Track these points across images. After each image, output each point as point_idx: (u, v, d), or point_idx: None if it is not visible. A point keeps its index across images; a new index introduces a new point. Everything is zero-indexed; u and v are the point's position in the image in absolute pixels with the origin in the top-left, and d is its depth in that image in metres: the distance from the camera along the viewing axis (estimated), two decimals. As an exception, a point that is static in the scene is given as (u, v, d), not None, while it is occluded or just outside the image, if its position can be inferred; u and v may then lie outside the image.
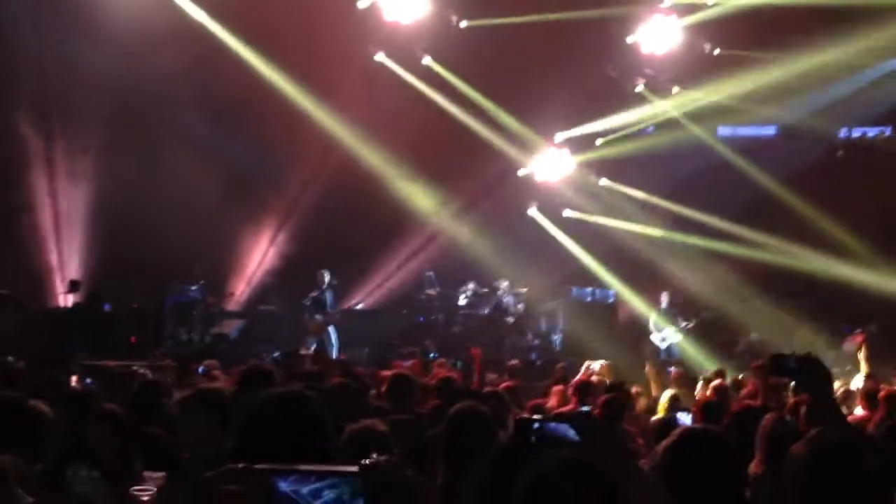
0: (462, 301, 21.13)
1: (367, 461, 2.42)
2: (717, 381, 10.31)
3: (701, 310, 20.14)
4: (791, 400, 7.19)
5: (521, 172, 22.52)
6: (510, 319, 20.28)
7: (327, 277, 18.97)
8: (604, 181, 22.82)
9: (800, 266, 19.95)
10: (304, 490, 2.28)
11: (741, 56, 19.40)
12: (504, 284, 20.77)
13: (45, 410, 5.52)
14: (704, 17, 18.69)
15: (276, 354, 14.78)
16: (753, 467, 5.17)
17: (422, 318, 21.12)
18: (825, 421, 4.23)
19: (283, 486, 2.29)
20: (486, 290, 20.92)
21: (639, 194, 22.31)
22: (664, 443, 3.77)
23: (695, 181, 21.22)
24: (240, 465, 2.33)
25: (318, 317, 18.73)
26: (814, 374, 4.37)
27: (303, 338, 18.74)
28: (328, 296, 18.93)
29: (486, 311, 20.75)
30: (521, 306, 20.79)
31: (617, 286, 21.77)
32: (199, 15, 18.78)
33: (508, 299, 20.68)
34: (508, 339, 20.03)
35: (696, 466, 3.61)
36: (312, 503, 2.28)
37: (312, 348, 17.52)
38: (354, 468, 2.35)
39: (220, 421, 5.17)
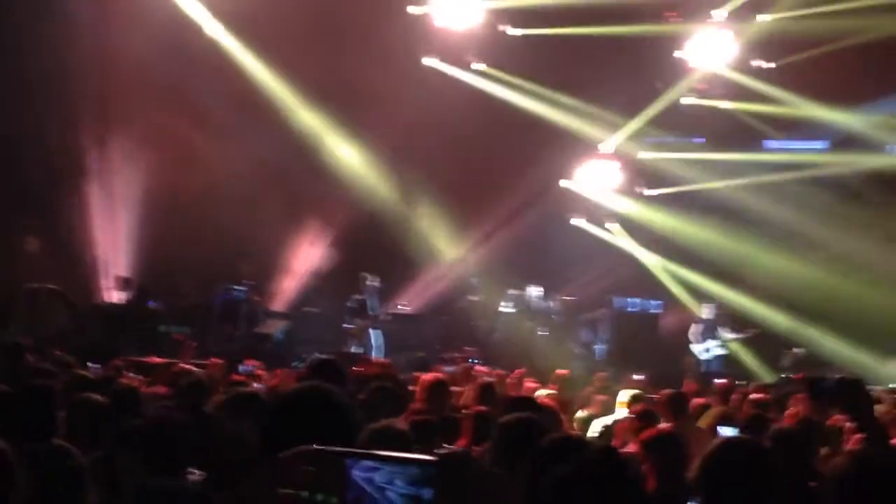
0: (504, 308, 21.17)
1: (443, 451, 2.44)
2: (755, 395, 10.26)
3: (746, 324, 19.92)
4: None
5: (566, 182, 22.52)
6: (528, 324, 20.18)
7: (369, 281, 19.07)
8: (649, 192, 22.71)
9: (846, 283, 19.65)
10: (377, 476, 2.30)
11: (794, 69, 19.22)
12: (532, 291, 20.70)
13: (102, 401, 5.69)
14: (757, 33, 18.61)
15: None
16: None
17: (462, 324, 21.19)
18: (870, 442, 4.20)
19: (356, 470, 2.31)
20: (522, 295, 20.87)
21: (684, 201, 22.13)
22: (704, 454, 3.82)
23: (743, 194, 21.07)
24: (314, 447, 2.36)
25: (359, 320, 18.81)
26: (854, 397, 4.30)
27: (345, 340, 18.88)
28: (370, 299, 19.03)
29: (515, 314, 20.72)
30: (549, 312, 20.66)
31: (661, 297, 21.68)
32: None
33: (534, 304, 20.56)
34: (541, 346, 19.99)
35: (731, 476, 3.64)
36: (384, 489, 2.29)
37: (374, 350, 17.72)
38: (430, 457, 2.36)
39: (256, 423, 5.25)
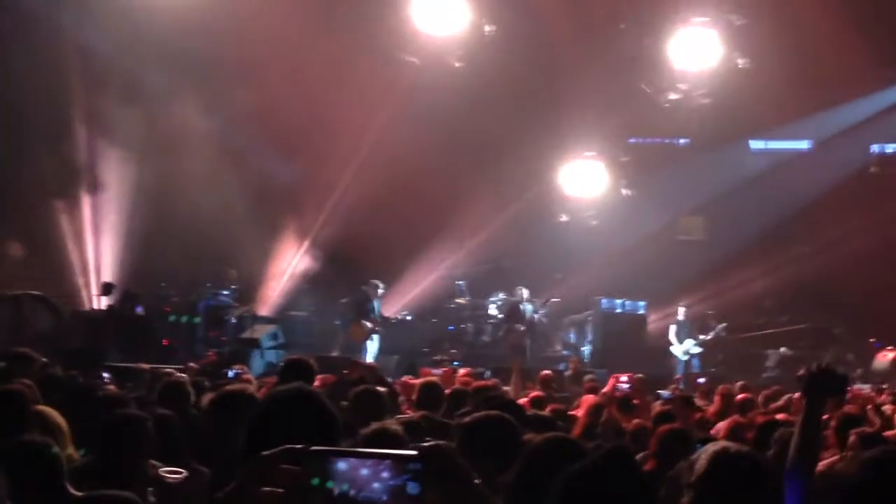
0: (492, 310, 21.13)
1: (426, 445, 2.44)
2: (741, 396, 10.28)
3: (718, 323, 19.90)
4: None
5: (551, 183, 22.51)
6: (520, 327, 20.10)
7: (380, 287, 19.06)
8: (633, 192, 22.68)
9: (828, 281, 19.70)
10: (361, 473, 2.30)
11: (775, 70, 19.26)
12: (523, 293, 20.61)
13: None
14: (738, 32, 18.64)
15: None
16: None
17: (451, 327, 21.12)
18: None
19: (341, 467, 2.30)
20: (512, 298, 20.79)
21: (669, 206, 22.15)
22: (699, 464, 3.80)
23: (726, 194, 21.13)
24: (298, 446, 2.34)
25: (367, 323, 18.75)
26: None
27: (332, 343, 18.82)
28: (376, 304, 19.01)
29: (504, 318, 20.63)
30: (538, 315, 20.56)
31: (647, 298, 21.67)
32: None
33: (525, 307, 20.48)
34: (531, 348, 19.91)
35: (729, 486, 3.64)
36: (369, 485, 2.29)
37: (366, 353, 17.68)
38: (413, 452, 2.34)
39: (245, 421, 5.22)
